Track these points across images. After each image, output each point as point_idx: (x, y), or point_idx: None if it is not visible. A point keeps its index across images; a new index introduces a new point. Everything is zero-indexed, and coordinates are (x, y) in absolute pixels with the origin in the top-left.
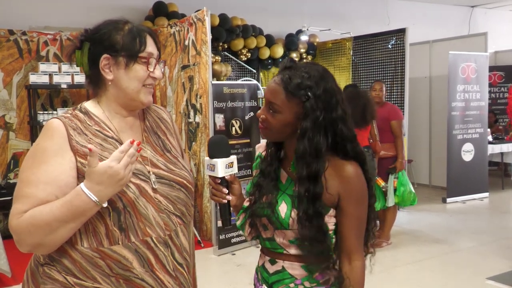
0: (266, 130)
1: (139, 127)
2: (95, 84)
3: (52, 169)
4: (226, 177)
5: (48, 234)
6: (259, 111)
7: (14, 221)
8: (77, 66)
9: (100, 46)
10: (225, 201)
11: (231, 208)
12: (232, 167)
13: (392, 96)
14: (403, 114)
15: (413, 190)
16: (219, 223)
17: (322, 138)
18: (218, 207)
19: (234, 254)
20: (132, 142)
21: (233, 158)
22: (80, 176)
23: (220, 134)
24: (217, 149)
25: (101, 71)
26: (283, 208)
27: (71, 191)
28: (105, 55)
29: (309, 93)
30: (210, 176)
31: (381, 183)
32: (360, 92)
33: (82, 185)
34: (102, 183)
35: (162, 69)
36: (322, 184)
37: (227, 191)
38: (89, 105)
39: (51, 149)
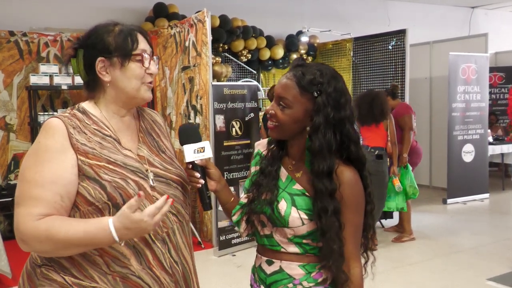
0: (275, 129)
1: (135, 127)
2: (93, 88)
3: (56, 167)
4: (197, 162)
5: (59, 249)
6: (268, 107)
7: (28, 224)
8: (74, 74)
9: (94, 50)
10: (199, 185)
11: (208, 192)
12: (203, 152)
13: None
14: None
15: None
16: (220, 224)
17: (333, 136)
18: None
19: (234, 255)
20: (167, 198)
21: (204, 143)
22: (80, 174)
23: (221, 135)
24: (185, 136)
25: (98, 74)
26: (282, 206)
27: (96, 223)
28: (100, 58)
29: (321, 89)
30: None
31: (396, 183)
32: (370, 90)
33: (110, 222)
34: (130, 229)
35: (157, 65)
36: (335, 181)
37: (199, 175)
38: (86, 105)
39: (53, 147)
